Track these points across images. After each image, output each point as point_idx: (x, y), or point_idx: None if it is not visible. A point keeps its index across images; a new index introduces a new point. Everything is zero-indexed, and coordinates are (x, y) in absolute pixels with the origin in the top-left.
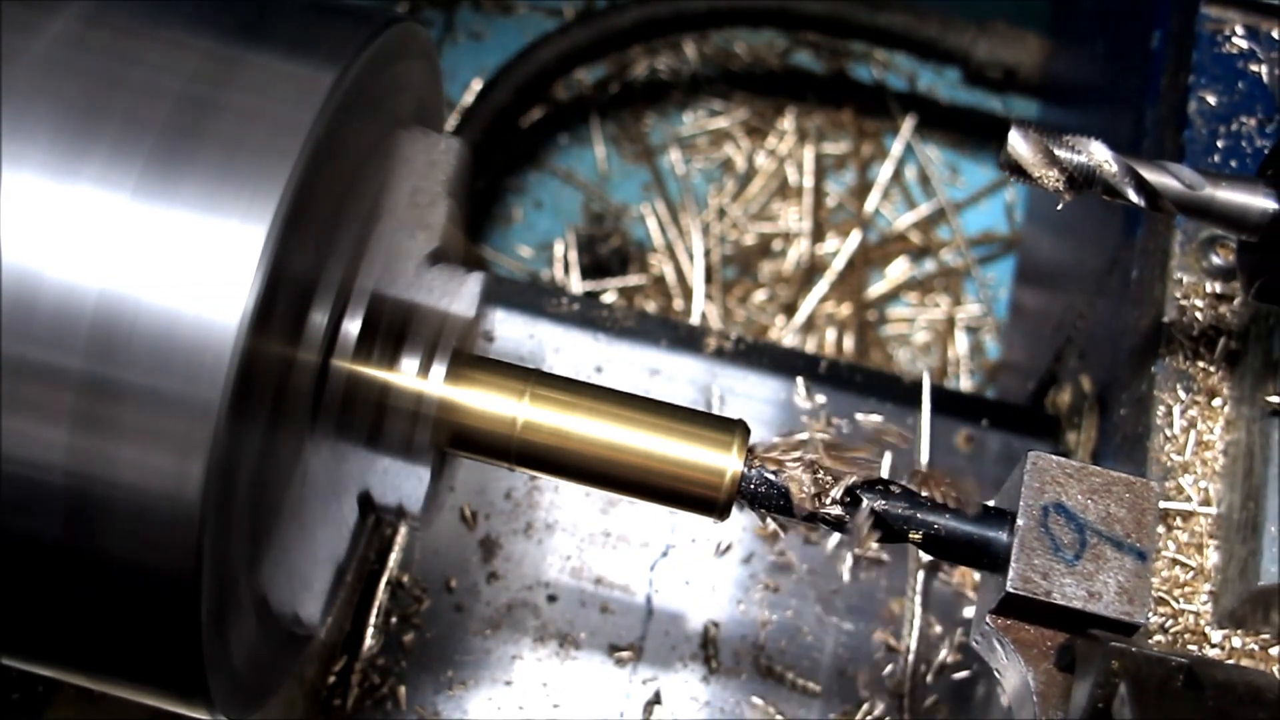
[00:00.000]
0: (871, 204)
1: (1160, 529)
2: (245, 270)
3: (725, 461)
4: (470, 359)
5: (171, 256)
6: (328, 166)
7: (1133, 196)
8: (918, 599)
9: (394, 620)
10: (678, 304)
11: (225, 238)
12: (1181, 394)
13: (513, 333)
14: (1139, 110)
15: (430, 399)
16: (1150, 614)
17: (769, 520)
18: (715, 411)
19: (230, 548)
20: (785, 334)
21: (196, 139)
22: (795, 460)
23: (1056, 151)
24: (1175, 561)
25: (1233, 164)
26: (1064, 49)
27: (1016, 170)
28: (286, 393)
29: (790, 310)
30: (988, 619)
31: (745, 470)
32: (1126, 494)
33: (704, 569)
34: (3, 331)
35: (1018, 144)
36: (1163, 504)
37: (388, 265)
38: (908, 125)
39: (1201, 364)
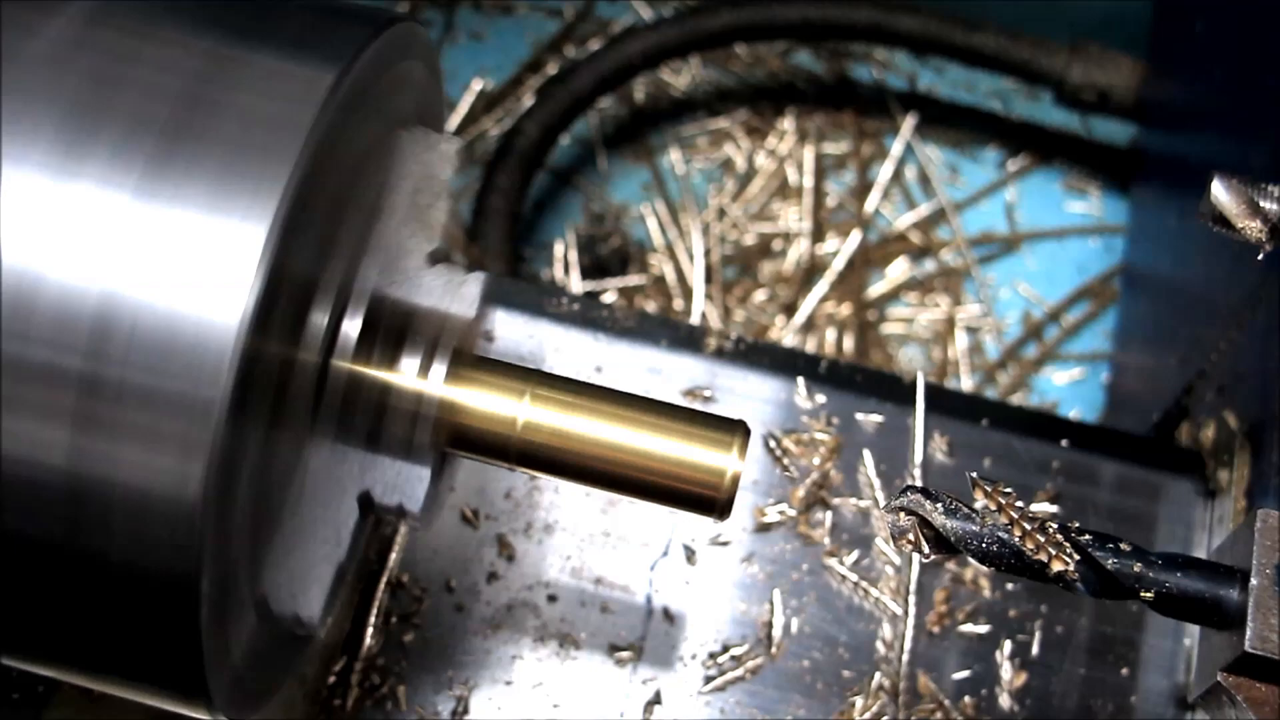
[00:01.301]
0: (871, 204)
1: None
2: (246, 270)
3: (725, 461)
4: (470, 359)
5: (172, 257)
6: (328, 167)
7: None
8: (912, 599)
9: (394, 620)
10: (678, 304)
11: (226, 238)
12: None
13: (513, 333)
14: (1277, 143)
15: (430, 399)
16: None
17: (764, 518)
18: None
19: (230, 548)
20: (785, 334)
21: (197, 139)
22: (1015, 514)
23: (1261, 202)
24: None
25: None
26: (1167, 73)
27: (1218, 220)
28: (287, 393)
29: (790, 310)
30: (1220, 676)
31: (975, 527)
32: None
33: (704, 569)
34: (3, 331)
35: (1220, 194)
36: None
37: (388, 265)
38: (908, 125)
39: None
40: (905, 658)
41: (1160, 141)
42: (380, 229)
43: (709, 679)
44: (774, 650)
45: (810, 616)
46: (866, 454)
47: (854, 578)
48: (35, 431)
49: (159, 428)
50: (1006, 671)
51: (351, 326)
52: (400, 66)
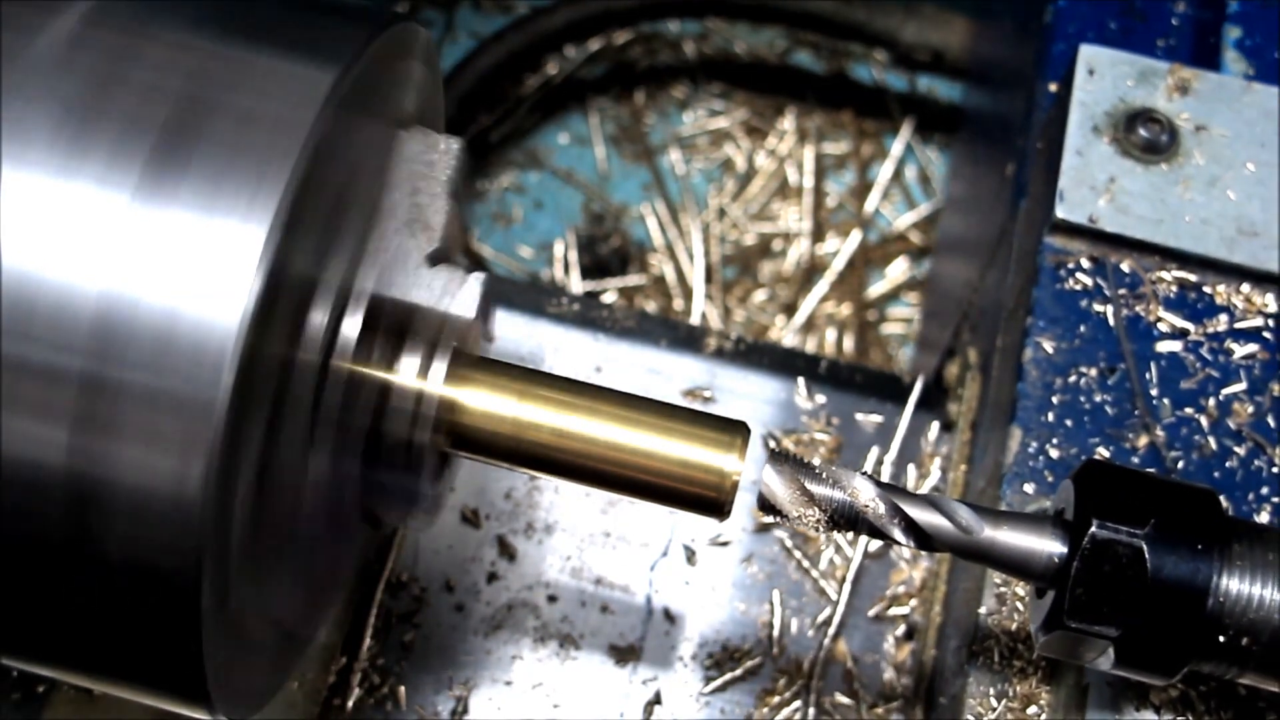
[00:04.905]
0: (871, 204)
1: None
2: (245, 270)
3: (726, 462)
4: (470, 359)
5: (171, 257)
6: (328, 167)
7: (900, 538)
8: (911, 599)
9: (394, 620)
10: (678, 304)
11: (225, 238)
12: (994, 701)
13: (513, 333)
14: (1031, 90)
15: (430, 399)
16: None
17: (767, 519)
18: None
19: (230, 548)
20: (785, 334)
21: (196, 139)
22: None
23: (813, 489)
24: None
25: (1068, 423)
26: (981, 31)
27: (771, 510)
28: (286, 393)
29: (790, 310)
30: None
31: (840, 496)
32: None
33: (704, 569)
34: (3, 331)
35: (772, 481)
36: None
37: (388, 265)
38: (908, 125)
39: (1019, 663)
40: (904, 658)
41: (977, 101)
42: (380, 229)
43: (709, 679)
44: (774, 650)
45: (810, 616)
46: (867, 454)
47: (817, 574)
48: (35, 431)
49: (159, 428)
50: None
51: (351, 326)
52: (400, 66)
